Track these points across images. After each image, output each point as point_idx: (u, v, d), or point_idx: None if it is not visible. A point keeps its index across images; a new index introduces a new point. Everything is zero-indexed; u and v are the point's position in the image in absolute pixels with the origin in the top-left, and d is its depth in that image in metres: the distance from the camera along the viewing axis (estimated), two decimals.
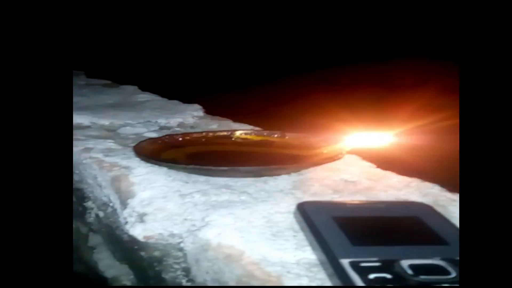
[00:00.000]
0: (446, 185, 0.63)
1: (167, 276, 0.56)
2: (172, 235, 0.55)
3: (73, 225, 0.78)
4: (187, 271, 0.54)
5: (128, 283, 0.69)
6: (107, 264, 0.74)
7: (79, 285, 0.74)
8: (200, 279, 0.52)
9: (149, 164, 0.69)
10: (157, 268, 0.57)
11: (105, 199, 0.70)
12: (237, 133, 0.82)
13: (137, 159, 0.71)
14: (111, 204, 0.69)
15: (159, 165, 0.67)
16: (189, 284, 0.54)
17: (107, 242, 0.74)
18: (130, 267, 0.68)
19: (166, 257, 0.56)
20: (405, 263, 0.39)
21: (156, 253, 0.56)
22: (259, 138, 0.81)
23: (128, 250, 0.62)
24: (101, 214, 0.72)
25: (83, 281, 0.76)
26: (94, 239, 0.78)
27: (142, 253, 0.58)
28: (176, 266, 0.55)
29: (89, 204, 0.76)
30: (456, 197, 0.60)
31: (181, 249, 0.54)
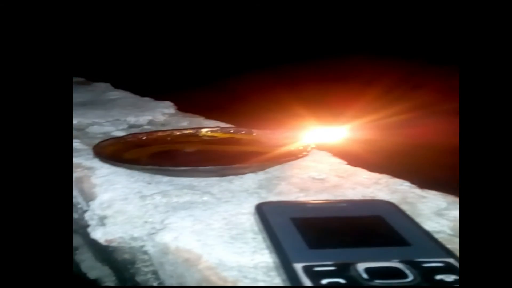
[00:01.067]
0: (416, 182, 0.62)
1: (139, 279, 0.55)
2: (133, 238, 0.53)
3: None
4: (156, 274, 0.53)
5: (112, 285, 0.68)
6: (90, 265, 0.72)
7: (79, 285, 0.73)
8: (167, 283, 0.50)
9: (112, 165, 0.67)
10: (131, 271, 0.56)
11: (75, 200, 0.68)
12: (203, 131, 0.80)
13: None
14: (79, 206, 0.67)
15: (118, 166, 0.65)
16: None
17: (87, 243, 0.73)
18: (111, 268, 0.67)
19: (135, 260, 0.54)
20: (361, 267, 0.38)
21: (126, 256, 0.55)
22: (225, 136, 0.79)
23: (105, 252, 0.61)
24: (75, 215, 0.71)
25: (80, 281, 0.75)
26: (75, 240, 0.76)
27: (116, 256, 0.57)
28: (145, 269, 0.54)
29: None
30: (425, 193, 0.59)
31: (145, 253, 0.53)
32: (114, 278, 0.66)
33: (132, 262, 0.54)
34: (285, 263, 0.39)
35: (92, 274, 0.70)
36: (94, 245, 0.66)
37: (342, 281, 0.36)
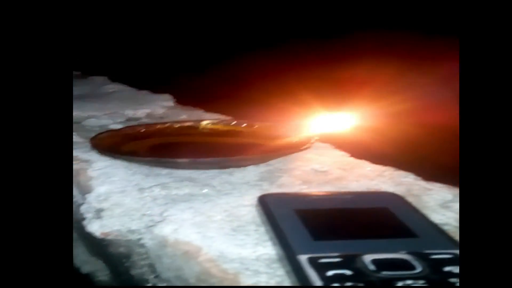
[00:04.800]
0: (421, 173, 0.61)
1: (135, 272, 0.53)
2: (131, 231, 0.52)
3: None
4: (152, 267, 0.51)
5: (105, 279, 0.67)
6: (83, 259, 0.71)
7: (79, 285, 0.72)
8: (164, 276, 0.49)
9: (110, 158, 0.66)
10: (126, 264, 0.54)
11: None
12: (204, 123, 0.79)
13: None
14: (75, 199, 0.66)
15: (116, 158, 0.64)
16: (156, 280, 0.51)
17: (80, 237, 0.72)
18: (104, 262, 0.66)
19: (131, 254, 0.53)
20: (368, 258, 0.36)
21: (122, 249, 0.54)
22: (226, 128, 0.78)
23: (100, 245, 0.60)
24: None
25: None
26: None
27: (110, 249, 0.56)
28: (142, 263, 0.53)
29: None
30: (430, 186, 0.58)
31: (142, 246, 0.51)
32: (107, 272, 0.66)
33: (128, 256, 0.53)
34: (289, 255, 0.38)
35: (85, 269, 0.69)
36: (88, 239, 0.66)
37: (348, 272, 0.35)
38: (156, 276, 0.51)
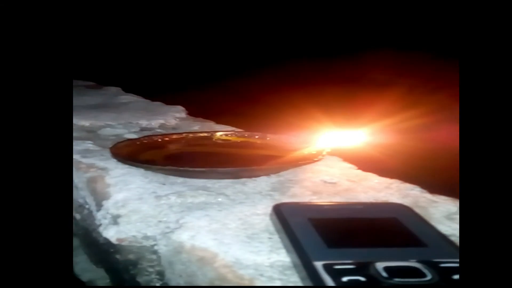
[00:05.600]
0: (427, 186, 0.62)
1: (142, 279, 0.55)
2: (146, 237, 0.54)
3: None
4: (161, 274, 0.53)
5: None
6: (83, 267, 0.72)
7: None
8: (173, 282, 0.50)
9: (126, 166, 0.67)
10: (132, 272, 0.56)
11: (81, 201, 0.69)
12: (218, 134, 0.81)
13: (115, 160, 0.69)
14: (87, 206, 0.67)
15: (135, 166, 0.66)
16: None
17: (83, 245, 0.73)
18: (106, 270, 0.67)
19: (140, 260, 0.54)
20: (380, 266, 0.38)
21: (131, 256, 0.55)
22: (239, 139, 0.80)
23: (104, 253, 0.61)
24: (77, 216, 0.71)
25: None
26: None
27: (118, 256, 0.57)
28: (150, 269, 0.54)
29: None
30: (436, 198, 0.59)
31: (155, 252, 0.53)
32: (108, 281, 0.67)
33: (136, 263, 0.54)
34: (305, 262, 0.39)
35: (85, 276, 0.70)
36: (91, 246, 0.67)
37: (362, 279, 0.36)
38: (163, 283, 0.53)
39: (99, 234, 0.58)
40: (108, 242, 0.56)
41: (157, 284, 0.53)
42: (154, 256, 0.53)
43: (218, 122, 0.95)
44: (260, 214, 0.54)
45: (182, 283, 0.49)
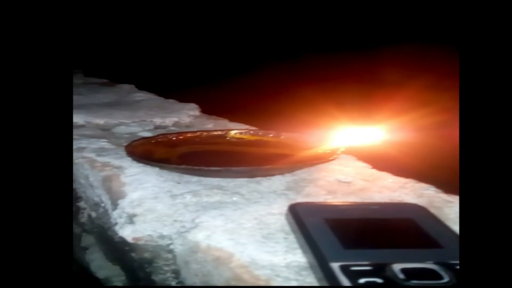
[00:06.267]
0: (442, 186, 0.62)
1: (157, 278, 0.55)
2: (162, 236, 0.54)
3: None
4: (176, 273, 0.53)
5: (120, 284, 0.68)
6: (99, 265, 0.73)
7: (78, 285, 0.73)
8: (189, 282, 0.51)
9: (141, 164, 0.68)
10: (147, 270, 0.56)
11: (96, 199, 0.69)
12: (232, 133, 0.81)
13: (130, 159, 0.70)
14: (102, 205, 0.68)
15: (151, 165, 0.66)
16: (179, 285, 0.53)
17: (99, 242, 0.73)
18: (122, 268, 0.67)
19: (156, 259, 0.55)
20: (397, 267, 0.38)
21: (146, 255, 0.55)
22: (254, 138, 0.80)
23: (119, 251, 0.62)
24: (93, 214, 0.72)
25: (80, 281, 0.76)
26: (87, 240, 0.77)
27: (133, 255, 0.57)
28: (166, 268, 0.54)
29: (81, 204, 0.75)
30: (451, 198, 0.59)
31: (170, 251, 0.53)
32: (123, 278, 0.67)
33: (151, 261, 0.55)
34: (322, 263, 0.39)
35: (101, 274, 0.71)
36: (108, 244, 0.67)
37: (379, 280, 0.36)
38: (179, 282, 0.53)
39: (115, 233, 0.58)
40: (123, 241, 0.56)
41: (173, 283, 0.54)
42: (169, 255, 0.53)
43: (232, 119, 0.96)
44: (275, 213, 0.54)
45: (198, 283, 0.49)
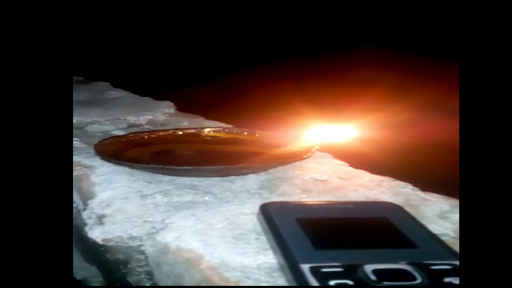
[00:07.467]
0: (419, 183, 0.61)
1: (132, 279, 0.54)
2: (132, 238, 0.52)
3: None
4: (150, 274, 0.51)
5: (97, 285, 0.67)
6: (77, 265, 0.71)
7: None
8: (162, 283, 0.49)
9: (112, 164, 0.66)
10: (122, 271, 0.55)
11: None
12: (206, 131, 0.79)
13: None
14: (75, 205, 0.66)
15: (119, 164, 0.64)
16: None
17: (75, 243, 0.72)
18: (99, 269, 0.66)
19: (129, 260, 0.53)
20: (369, 268, 0.37)
21: (120, 256, 0.54)
22: (228, 136, 0.79)
23: (95, 251, 0.60)
24: None
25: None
26: None
27: (108, 256, 0.56)
28: (139, 270, 0.53)
29: None
30: (428, 196, 0.58)
31: (142, 252, 0.52)
32: (101, 279, 0.66)
33: (125, 262, 0.53)
34: (292, 264, 0.38)
35: (79, 275, 0.69)
36: (84, 244, 0.66)
37: (350, 282, 0.35)
38: (154, 283, 0.52)
39: (84, 234, 0.57)
40: (95, 242, 0.55)
41: (147, 284, 0.52)
42: (142, 257, 0.52)
43: (208, 117, 0.94)
44: (248, 213, 0.52)
45: (170, 284, 0.48)
